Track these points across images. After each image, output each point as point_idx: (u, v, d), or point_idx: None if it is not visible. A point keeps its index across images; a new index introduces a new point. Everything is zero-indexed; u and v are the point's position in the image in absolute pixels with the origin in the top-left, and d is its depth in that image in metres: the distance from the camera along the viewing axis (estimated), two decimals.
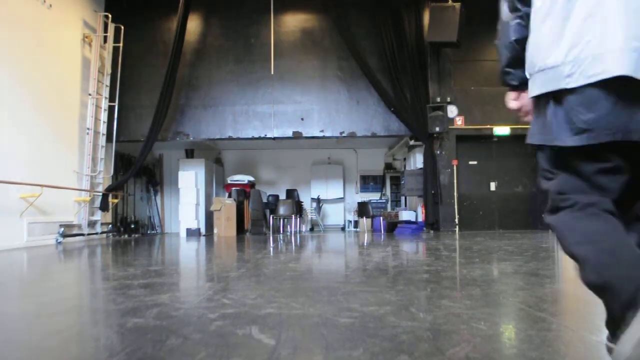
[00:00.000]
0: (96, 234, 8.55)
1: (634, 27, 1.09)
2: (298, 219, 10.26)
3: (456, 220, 9.03)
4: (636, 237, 1.19)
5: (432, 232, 8.91)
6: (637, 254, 1.10)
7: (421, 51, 9.31)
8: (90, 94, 8.45)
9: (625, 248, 1.11)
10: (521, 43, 1.35)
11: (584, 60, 1.13)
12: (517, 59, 1.37)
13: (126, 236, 9.52)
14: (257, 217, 10.00)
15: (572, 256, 1.17)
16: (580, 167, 1.18)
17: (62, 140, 7.77)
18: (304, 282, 2.91)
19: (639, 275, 1.05)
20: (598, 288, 1.12)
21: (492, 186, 9.55)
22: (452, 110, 9.17)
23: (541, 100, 1.25)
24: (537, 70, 1.24)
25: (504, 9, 1.46)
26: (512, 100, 1.45)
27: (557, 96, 1.19)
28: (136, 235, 9.85)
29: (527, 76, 1.31)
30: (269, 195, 11.15)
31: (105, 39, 8.91)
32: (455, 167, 9.13)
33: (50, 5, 7.37)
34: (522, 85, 1.37)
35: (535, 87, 1.25)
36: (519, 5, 1.38)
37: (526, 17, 1.35)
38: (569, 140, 1.15)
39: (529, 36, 1.30)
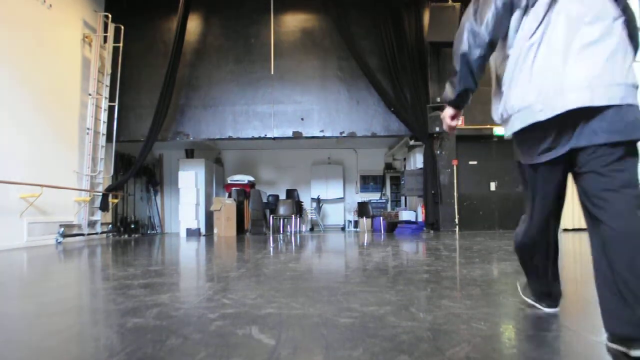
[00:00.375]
0: (96, 234, 8.55)
1: (583, 72, 1.44)
2: (298, 219, 10.26)
3: (456, 220, 9.03)
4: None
5: (432, 232, 8.91)
6: None
7: (421, 51, 9.31)
8: (90, 94, 8.45)
9: None
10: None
11: (545, 97, 1.49)
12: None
13: (126, 236, 9.52)
14: (257, 217, 10.00)
15: None
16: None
17: (62, 140, 7.77)
18: (304, 282, 2.91)
19: None
20: None
21: (492, 186, 9.54)
22: None
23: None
24: (518, 108, 1.58)
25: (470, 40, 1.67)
26: (450, 119, 1.93)
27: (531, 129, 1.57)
28: (136, 235, 9.85)
29: (505, 116, 1.65)
30: (269, 195, 11.15)
31: (105, 39, 8.92)
32: (455, 167, 9.13)
33: (50, 5, 7.37)
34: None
35: (518, 121, 1.59)
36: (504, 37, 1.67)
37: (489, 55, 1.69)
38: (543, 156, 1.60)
39: (509, 88, 1.62)
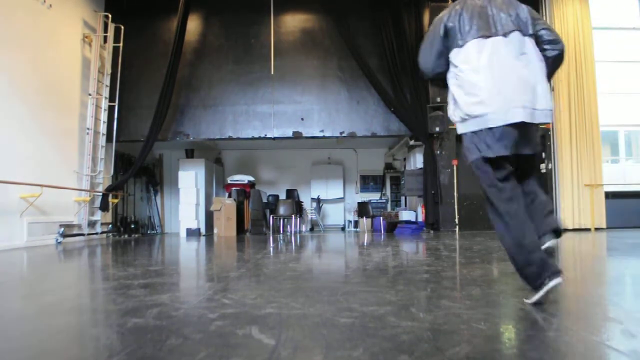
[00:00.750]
0: (96, 234, 8.55)
1: (524, 95, 1.98)
2: (298, 219, 10.26)
3: (456, 220, 9.03)
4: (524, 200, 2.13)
5: (432, 232, 8.91)
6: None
7: None
8: (90, 94, 8.45)
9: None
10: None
11: (498, 112, 1.99)
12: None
13: (126, 236, 9.52)
14: (257, 217, 10.00)
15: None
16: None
17: (62, 140, 7.77)
18: (304, 282, 2.91)
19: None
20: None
21: None
22: None
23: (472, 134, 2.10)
24: (473, 117, 2.05)
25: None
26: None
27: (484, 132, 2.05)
28: (136, 235, 9.85)
29: (464, 118, 2.11)
30: (269, 195, 11.15)
31: (105, 39, 8.91)
32: (455, 167, 9.13)
33: (50, 5, 7.37)
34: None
35: (470, 126, 2.08)
36: (446, 63, 2.21)
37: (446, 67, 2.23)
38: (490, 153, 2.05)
39: (461, 89, 2.11)
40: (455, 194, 9.07)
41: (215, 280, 3.19)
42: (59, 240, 7.24)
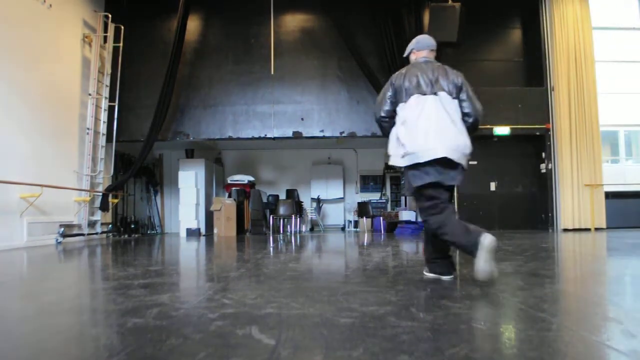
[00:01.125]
0: (96, 234, 8.55)
1: (442, 138, 2.60)
2: (298, 219, 10.25)
3: None
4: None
5: None
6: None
7: None
8: (90, 94, 8.45)
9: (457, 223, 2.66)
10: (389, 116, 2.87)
11: (425, 151, 2.61)
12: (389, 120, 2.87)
13: (126, 236, 9.52)
14: (257, 217, 10.00)
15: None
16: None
17: (62, 140, 7.77)
18: (304, 282, 2.91)
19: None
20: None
21: (492, 186, 9.55)
22: None
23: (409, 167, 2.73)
24: (409, 153, 2.66)
25: (386, 108, 2.86)
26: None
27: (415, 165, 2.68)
28: (136, 235, 9.85)
29: (403, 154, 2.71)
30: (269, 195, 11.15)
31: (105, 39, 8.91)
32: None
33: (50, 5, 7.37)
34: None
35: (407, 161, 2.70)
36: (394, 111, 2.85)
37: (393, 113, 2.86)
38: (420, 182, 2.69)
39: (404, 133, 2.72)
40: (455, 194, 9.07)
41: (215, 280, 3.19)
42: (59, 240, 7.24)
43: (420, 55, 2.97)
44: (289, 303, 2.17)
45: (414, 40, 3.04)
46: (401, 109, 2.77)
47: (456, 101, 2.75)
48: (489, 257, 2.53)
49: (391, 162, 2.80)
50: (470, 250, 2.57)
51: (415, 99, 2.72)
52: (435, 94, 2.72)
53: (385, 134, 2.88)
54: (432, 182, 2.67)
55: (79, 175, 8.22)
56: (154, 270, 3.57)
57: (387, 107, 2.82)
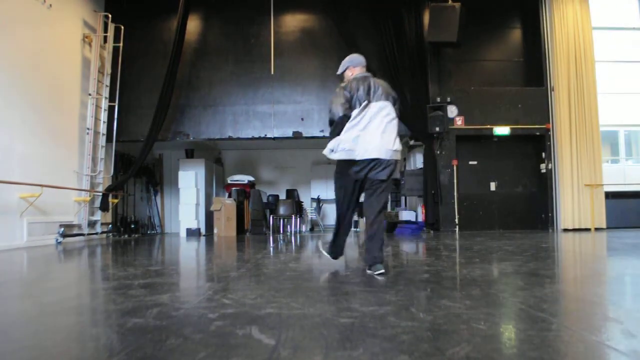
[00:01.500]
0: (96, 234, 8.55)
1: (379, 139, 3.20)
2: (298, 219, 10.25)
3: (456, 220, 9.03)
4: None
5: (432, 232, 8.91)
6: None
7: (421, 51, 9.31)
8: (90, 94, 8.45)
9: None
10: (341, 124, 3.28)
11: (362, 150, 3.16)
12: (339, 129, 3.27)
13: (126, 236, 9.52)
14: (257, 217, 10.00)
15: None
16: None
17: (62, 140, 7.77)
18: (304, 282, 2.92)
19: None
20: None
21: (492, 186, 9.54)
22: (452, 110, 9.17)
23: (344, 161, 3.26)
24: (347, 149, 3.18)
25: (337, 110, 3.30)
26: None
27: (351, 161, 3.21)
28: (136, 235, 9.85)
29: (340, 149, 3.20)
30: (269, 195, 11.14)
31: (105, 39, 8.91)
32: (455, 167, 9.13)
33: (50, 5, 7.37)
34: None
35: (344, 155, 3.20)
36: (346, 114, 3.27)
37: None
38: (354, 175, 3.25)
39: (346, 133, 3.22)
40: (455, 194, 9.07)
41: (215, 280, 3.19)
42: (59, 240, 7.24)
43: (357, 71, 3.53)
44: (289, 303, 2.17)
45: (347, 59, 3.65)
46: (352, 113, 3.27)
47: (392, 107, 3.36)
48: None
49: (330, 156, 3.28)
50: (330, 252, 3.72)
51: (363, 105, 3.23)
52: (377, 101, 3.27)
53: (335, 133, 3.26)
54: (363, 176, 3.26)
55: (79, 175, 8.22)
56: (154, 270, 3.57)
57: (343, 111, 3.26)
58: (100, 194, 8.64)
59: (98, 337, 1.69)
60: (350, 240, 7.52)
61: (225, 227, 9.44)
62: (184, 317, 1.94)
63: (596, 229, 8.85)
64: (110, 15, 8.92)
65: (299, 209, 10.61)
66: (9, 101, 6.40)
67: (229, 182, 10.98)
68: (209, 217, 10.22)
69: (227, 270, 3.83)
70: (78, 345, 1.65)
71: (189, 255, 5.69)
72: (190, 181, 10.14)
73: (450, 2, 8.44)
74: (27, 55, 6.82)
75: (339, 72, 3.66)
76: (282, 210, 10.11)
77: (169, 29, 9.33)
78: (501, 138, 9.35)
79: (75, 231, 7.92)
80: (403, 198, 11.72)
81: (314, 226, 12.21)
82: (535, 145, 9.51)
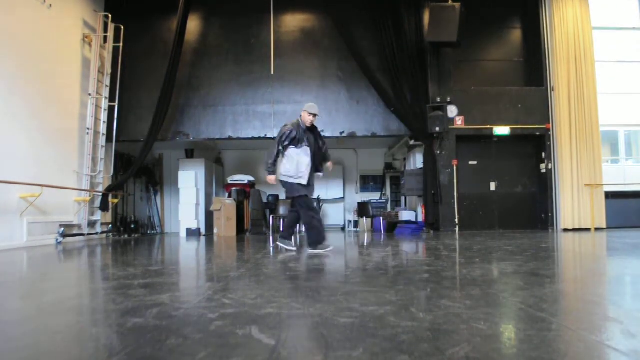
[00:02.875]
0: (96, 234, 8.55)
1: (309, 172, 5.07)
2: None
3: (456, 220, 9.03)
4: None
5: (432, 232, 8.91)
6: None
7: (421, 51, 9.31)
8: (90, 94, 8.45)
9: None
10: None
11: (301, 176, 5.00)
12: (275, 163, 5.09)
13: (126, 236, 9.52)
14: (257, 217, 10.00)
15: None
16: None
17: (62, 140, 7.77)
18: (304, 282, 2.91)
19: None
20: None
21: (492, 186, 9.54)
22: (452, 110, 9.17)
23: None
24: (295, 176, 4.99)
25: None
26: (270, 177, 5.11)
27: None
28: (136, 235, 9.85)
29: (293, 175, 5.00)
30: (269, 195, 11.14)
31: (105, 39, 8.91)
32: (455, 167, 9.14)
33: (50, 5, 7.37)
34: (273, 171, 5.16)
35: (293, 180, 5.01)
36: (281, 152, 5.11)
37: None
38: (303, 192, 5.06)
39: (290, 163, 5.02)
40: (455, 194, 9.07)
41: (215, 280, 3.19)
42: (59, 240, 7.24)
43: (308, 118, 5.11)
44: (289, 303, 2.17)
45: (307, 105, 5.24)
46: (292, 149, 4.97)
47: (320, 150, 5.23)
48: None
49: (280, 178, 5.01)
50: (319, 240, 5.04)
51: (300, 146, 4.96)
52: (308, 145, 4.99)
53: (273, 158, 4.97)
54: (305, 194, 4.97)
55: (79, 175, 8.22)
56: (154, 270, 3.57)
57: (286, 143, 4.96)
58: (100, 194, 8.64)
59: (98, 337, 1.69)
60: (351, 240, 7.52)
61: (225, 227, 9.44)
62: (184, 317, 1.94)
63: (596, 229, 8.85)
64: (110, 15, 8.92)
65: None
66: (9, 101, 6.40)
67: (229, 182, 10.98)
68: (209, 217, 10.22)
69: (227, 270, 3.83)
70: (78, 345, 1.65)
71: (188, 255, 5.69)
72: (190, 181, 10.14)
73: (450, 2, 8.44)
74: (27, 55, 6.82)
75: (301, 112, 5.23)
76: (282, 210, 10.10)
77: (169, 29, 9.33)
78: (501, 138, 9.35)
79: (75, 231, 7.92)
80: (403, 198, 11.72)
81: None
82: (535, 145, 9.51)
